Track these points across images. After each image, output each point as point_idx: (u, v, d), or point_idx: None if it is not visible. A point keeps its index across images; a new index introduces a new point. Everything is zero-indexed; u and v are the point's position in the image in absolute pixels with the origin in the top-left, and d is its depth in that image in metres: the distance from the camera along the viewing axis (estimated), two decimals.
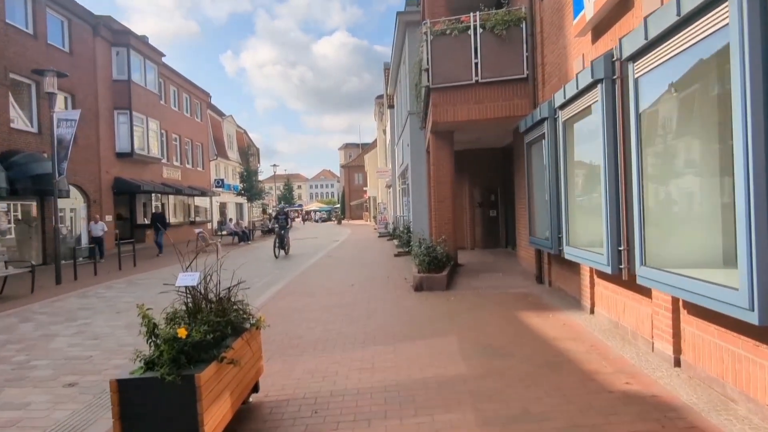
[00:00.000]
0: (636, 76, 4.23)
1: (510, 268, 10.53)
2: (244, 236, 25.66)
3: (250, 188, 36.29)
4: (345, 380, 4.32)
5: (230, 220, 32.16)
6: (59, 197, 12.50)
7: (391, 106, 24.20)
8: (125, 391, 2.79)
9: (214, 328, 3.18)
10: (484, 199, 14.81)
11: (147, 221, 23.51)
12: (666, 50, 3.72)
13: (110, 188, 21.06)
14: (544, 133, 7.06)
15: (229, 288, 3.64)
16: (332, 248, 19.49)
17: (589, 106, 5.39)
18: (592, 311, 6.16)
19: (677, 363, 4.17)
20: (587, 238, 5.85)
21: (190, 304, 3.43)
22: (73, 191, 18.09)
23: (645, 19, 3.87)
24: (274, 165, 57.62)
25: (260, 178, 42.32)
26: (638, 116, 4.26)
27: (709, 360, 3.74)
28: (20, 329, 7.04)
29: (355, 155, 71.09)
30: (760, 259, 2.81)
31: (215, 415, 2.94)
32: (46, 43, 17.14)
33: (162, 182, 25.67)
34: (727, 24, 2.99)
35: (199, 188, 30.45)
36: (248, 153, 44.45)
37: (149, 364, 2.89)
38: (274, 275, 11.79)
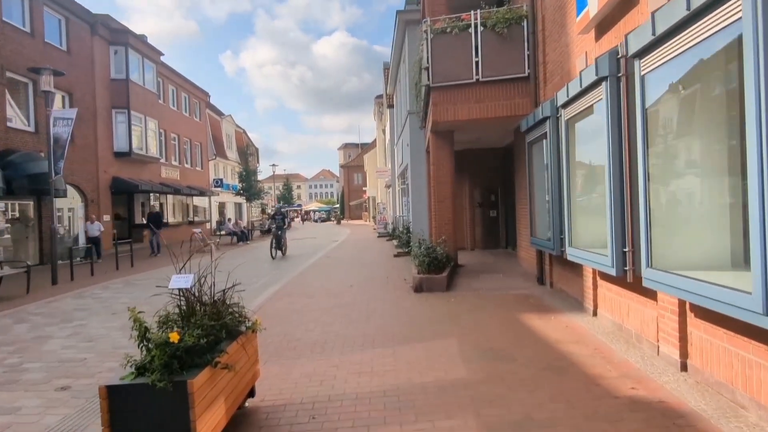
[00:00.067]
0: (642, 73, 4.15)
1: (510, 269, 10.43)
2: (242, 236, 25.58)
3: (249, 188, 36.16)
4: (343, 384, 4.22)
5: (229, 220, 32.00)
6: (56, 197, 12.42)
7: (390, 106, 24.09)
8: (115, 398, 2.69)
9: (208, 332, 3.08)
10: (484, 199, 14.72)
11: (145, 221, 23.40)
12: (674, 46, 3.63)
13: (108, 188, 20.94)
14: (545, 133, 6.97)
15: (224, 290, 3.54)
16: (331, 248, 19.39)
17: (593, 104, 5.31)
18: (594, 313, 6.06)
19: (684, 367, 4.08)
20: (590, 239, 5.75)
21: (184, 307, 3.33)
22: (71, 191, 17.97)
23: (652, 14, 3.77)
24: (274, 165, 56.67)
25: (259, 177, 42.13)
26: (644, 114, 4.17)
27: (718, 365, 3.64)
28: (14, 330, 6.93)
29: (355, 155, 71.00)
30: None
31: (209, 422, 2.84)
32: (44, 42, 17.00)
33: (160, 182, 25.54)
34: (740, 18, 2.90)
35: (198, 188, 30.32)
36: (247, 153, 44.34)
37: (140, 370, 2.79)
38: (273, 276, 11.68)
